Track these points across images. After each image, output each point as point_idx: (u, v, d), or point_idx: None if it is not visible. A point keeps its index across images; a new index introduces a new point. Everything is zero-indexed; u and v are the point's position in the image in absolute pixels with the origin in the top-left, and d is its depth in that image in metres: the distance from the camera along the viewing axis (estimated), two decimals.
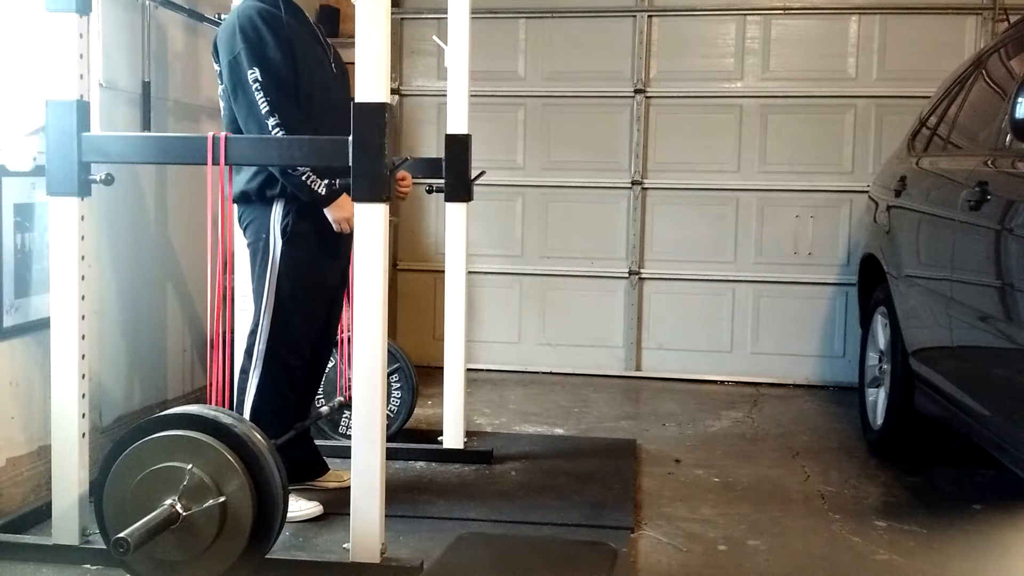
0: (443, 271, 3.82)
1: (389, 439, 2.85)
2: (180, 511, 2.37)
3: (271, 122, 2.87)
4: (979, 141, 3.47)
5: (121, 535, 2.26)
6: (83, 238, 2.66)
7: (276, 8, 3.01)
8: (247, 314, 3.15)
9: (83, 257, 2.66)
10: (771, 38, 5.25)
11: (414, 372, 3.91)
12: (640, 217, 5.40)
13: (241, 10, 3.01)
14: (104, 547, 2.72)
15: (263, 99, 2.88)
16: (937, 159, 3.79)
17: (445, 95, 3.74)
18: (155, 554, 2.40)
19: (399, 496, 3.24)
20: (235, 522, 2.41)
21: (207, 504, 2.38)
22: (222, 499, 2.39)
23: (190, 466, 2.38)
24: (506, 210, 5.49)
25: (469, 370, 4.34)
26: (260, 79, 2.89)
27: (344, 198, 3.03)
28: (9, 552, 2.72)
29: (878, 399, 4.05)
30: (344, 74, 3.22)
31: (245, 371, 3.07)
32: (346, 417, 3.60)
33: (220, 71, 3.02)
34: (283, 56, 2.94)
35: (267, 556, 2.76)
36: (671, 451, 4.03)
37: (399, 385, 3.86)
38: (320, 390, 3.50)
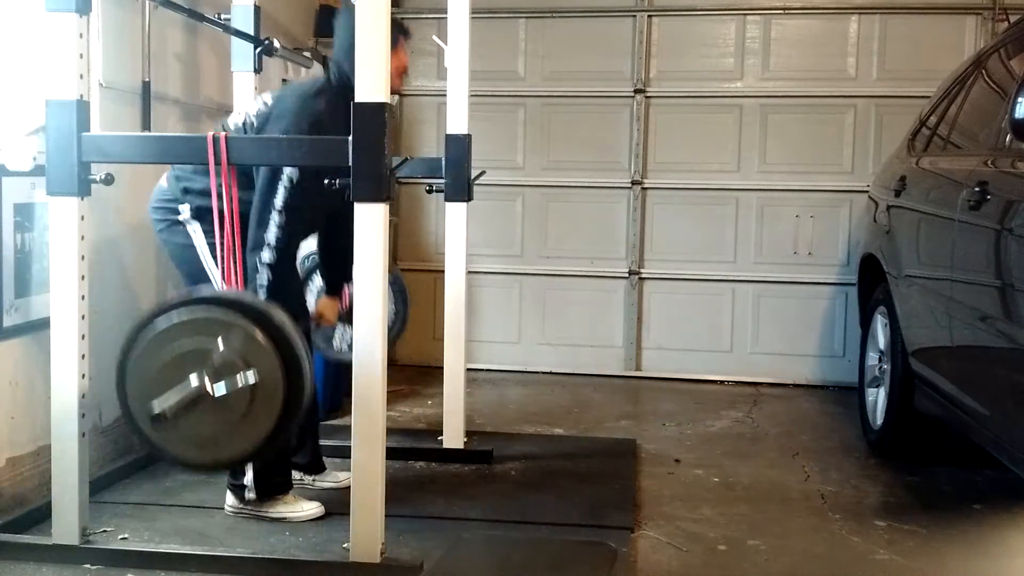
0: (443, 271, 3.83)
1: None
2: (209, 388, 2.36)
3: (276, 219, 2.89)
4: (979, 141, 3.47)
5: (157, 410, 2.27)
6: (83, 238, 2.66)
7: (341, 100, 2.89)
8: None
9: (83, 257, 2.66)
10: (771, 38, 5.25)
11: (405, 283, 3.82)
12: (640, 217, 5.40)
13: (310, 93, 3.03)
14: (105, 547, 2.74)
15: (282, 195, 2.89)
16: (937, 159, 3.79)
17: (445, 95, 3.75)
18: (186, 432, 2.40)
19: (399, 496, 3.24)
20: (266, 397, 2.39)
21: (237, 379, 2.36)
22: (251, 374, 2.37)
23: (218, 342, 2.36)
24: (506, 210, 5.49)
25: (469, 370, 4.34)
26: (293, 179, 2.89)
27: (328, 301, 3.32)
28: (9, 552, 2.72)
29: (878, 399, 4.05)
30: None
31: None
32: (342, 331, 3.57)
33: (257, 125, 3.01)
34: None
35: (268, 556, 2.77)
36: (671, 451, 4.03)
37: (392, 297, 3.80)
38: None
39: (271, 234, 2.90)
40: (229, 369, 2.37)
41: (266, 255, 2.90)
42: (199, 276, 3.03)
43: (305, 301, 3.30)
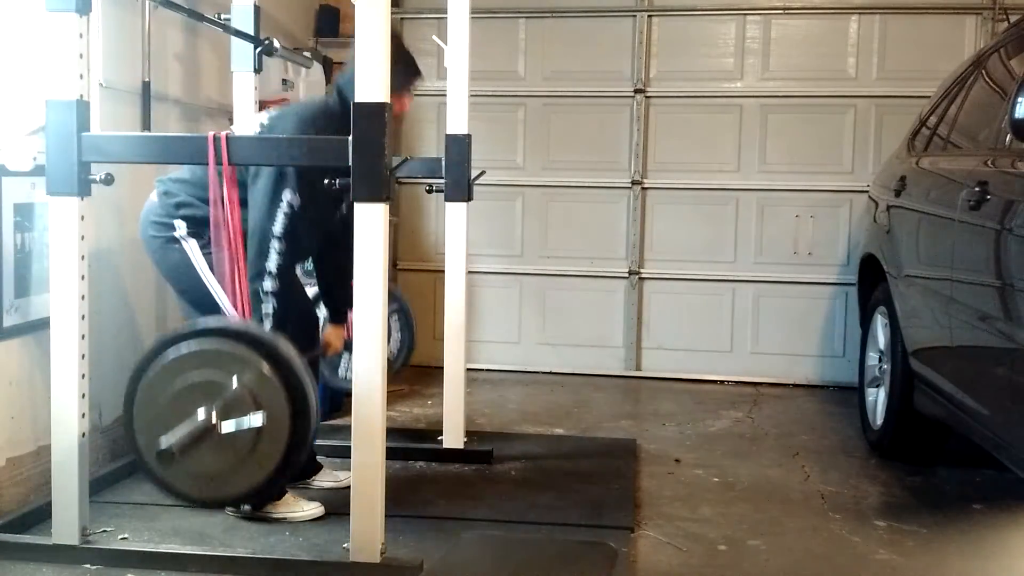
0: (443, 271, 3.82)
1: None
2: (217, 423, 2.35)
3: (276, 246, 2.86)
4: (979, 141, 3.47)
5: (163, 446, 2.25)
6: (83, 238, 2.65)
7: (341, 123, 2.78)
8: None
9: (83, 257, 2.66)
10: (771, 38, 5.26)
11: (412, 312, 3.82)
12: (640, 217, 5.40)
13: (307, 115, 2.98)
14: (105, 547, 2.73)
15: (282, 222, 2.86)
16: (937, 159, 3.79)
17: (445, 95, 3.74)
18: (190, 468, 2.39)
19: (399, 496, 3.24)
20: (271, 435, 2.39)
21: (245, 418, 2.36)
22: (259, 416, 2.36)
23: (232, 378, 2.35)
24: (506, 210, 5.49)
25: (469, 370, 4.34)
26: (294, 205, 2.86)
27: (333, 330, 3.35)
28: (9, 552, 2.72)
29: (878, 399, 4.05)
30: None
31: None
32: (347, 359, 3.57)
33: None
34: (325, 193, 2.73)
35: (268, 556, 2.77)
36: (671, 451, 4.03)
37: (399, 326, 3.79)
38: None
39: (272, 262, 2.87)
40: (238, 406, 2.37)
41: (268, 284, 2.87)
42: (198, 295, 2.98)
43: (315, 322, 3.27)
